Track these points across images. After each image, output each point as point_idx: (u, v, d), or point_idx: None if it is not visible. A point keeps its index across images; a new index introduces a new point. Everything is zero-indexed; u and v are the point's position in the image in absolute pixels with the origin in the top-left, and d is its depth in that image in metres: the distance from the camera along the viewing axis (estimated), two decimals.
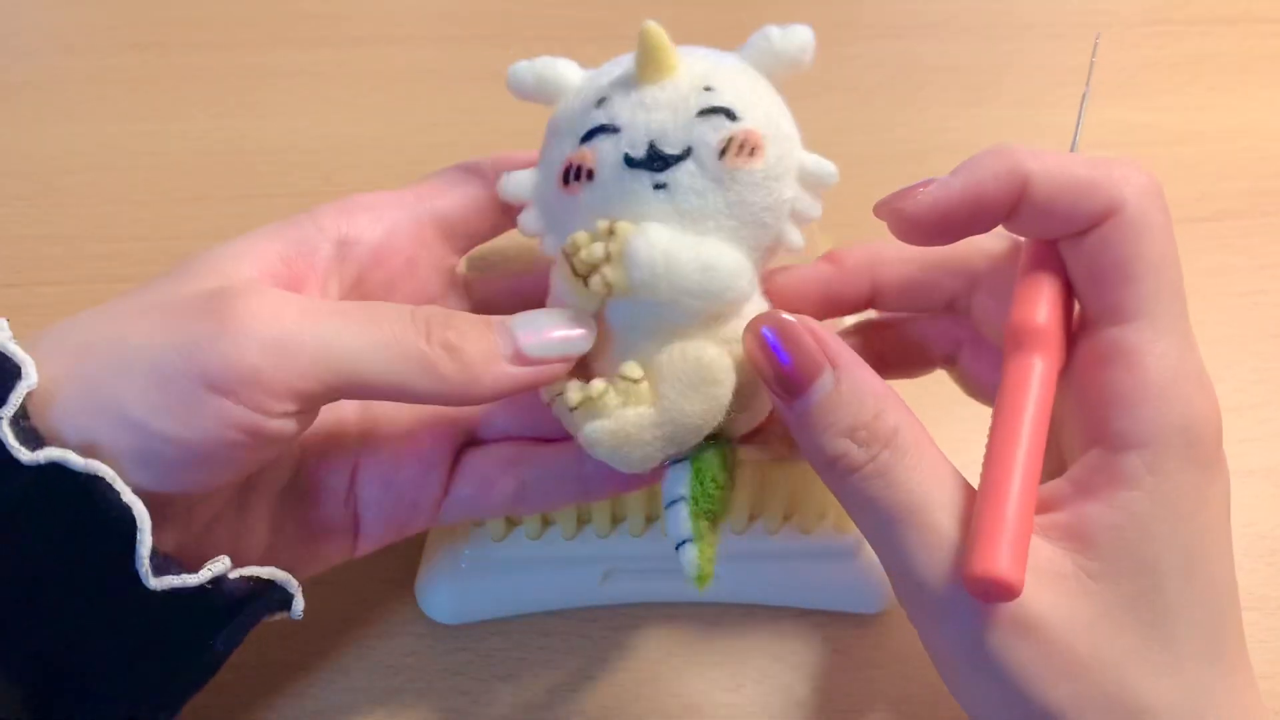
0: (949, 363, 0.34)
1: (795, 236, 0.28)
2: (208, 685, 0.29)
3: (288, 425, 0.26)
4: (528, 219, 0.28)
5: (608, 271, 0.26)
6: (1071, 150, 0.32)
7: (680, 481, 0.28)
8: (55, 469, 0.24)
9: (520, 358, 0.27)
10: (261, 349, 0.25)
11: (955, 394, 0.46)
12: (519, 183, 0.28)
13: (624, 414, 0.26)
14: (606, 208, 0.27)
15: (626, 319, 0.27)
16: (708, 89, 0.27)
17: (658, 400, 0.26)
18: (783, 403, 0.27)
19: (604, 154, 0.27)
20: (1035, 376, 0.26)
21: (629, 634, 0.37)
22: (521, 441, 0.33)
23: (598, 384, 0.26)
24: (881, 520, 0.26)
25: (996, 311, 0.30)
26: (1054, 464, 0.28)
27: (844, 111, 0.58)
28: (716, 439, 0.28)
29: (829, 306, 0.32)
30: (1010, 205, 0.26)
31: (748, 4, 0.66)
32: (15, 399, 0.24)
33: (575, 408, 0.26)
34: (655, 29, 0.27)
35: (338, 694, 0.35)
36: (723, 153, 0.26)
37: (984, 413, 0.44)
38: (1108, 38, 0.64)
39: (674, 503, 0.28)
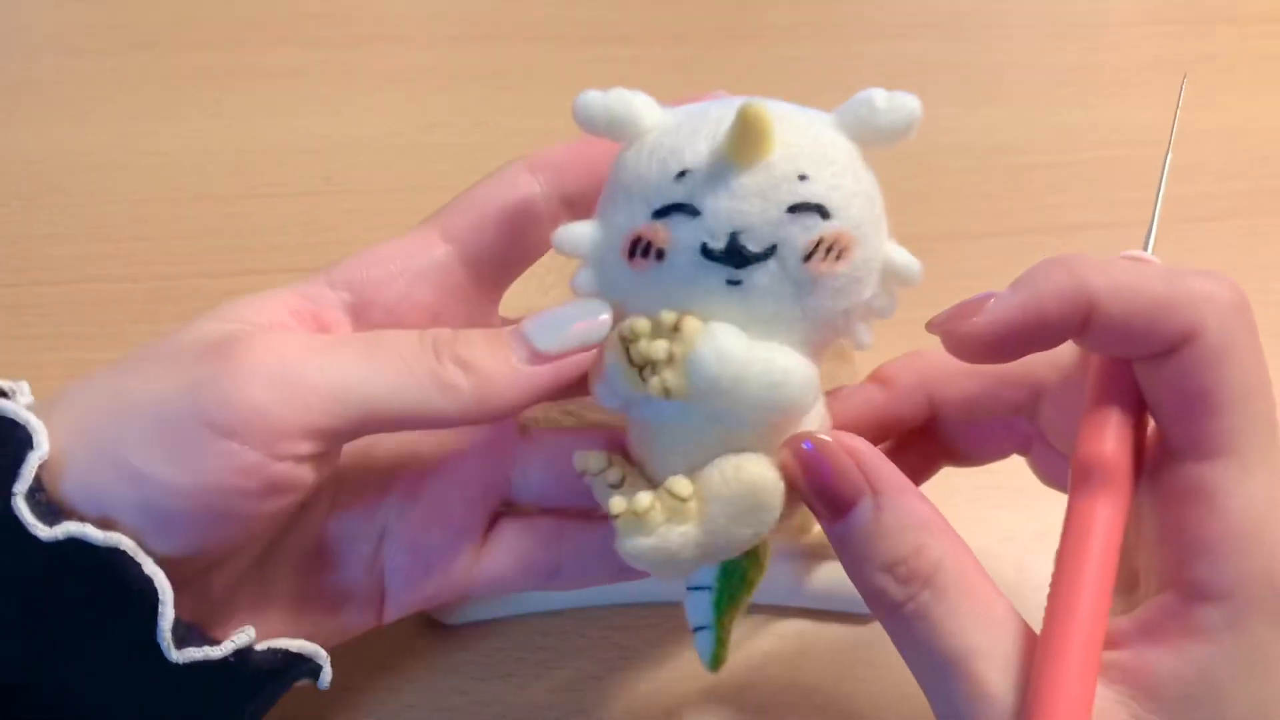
0: (1023, 453, 0.32)
1: (866, 336, 0.26)
2: None
3: (299, 470, 0.25)
4: (584, 280, 0.26)
5: (668, 376, 0.24)
6: (1147, 245, 0.29)
7: (709, 574, 0.27)
8: (74, 544, 0.23)
9: (538, 357, 0.26)
10: (266, 385, 0.24)
11: None
12: (577, 238, 0.26)
13: (667, 533, 0.25)
14: (672, 295, 0.25)
15: (677, 417, 0.26)
16: (803, 177, 0.24)
17: (704, 520, 0.25)
18: (824, 523, 0.26)
19: (679, 237, 0.24)
20: (1100, 525, 0.24)
21: (629, 634, 0.37)
22: (559, 515, 0.31)
23: (644, 499, 0.25)
24: (925, 665, 0.24)
25: (1064, 424, 0.28)
26: (1124, 577, 0.26)
27: None
28: None
29: (884, 431, 0.30)
30: (1076, 326, 0.24)
31: (749, 4, 0.66)
32: (28, 472, 0.23)
33: (617, 517, 0.25)
34: (758, 112, 0.23)
35: (338, 694, 0.35)
36: (809, 256, 0.24)
37: None
38: (1109, 36, 0.64)
39: (696, 589, 0.27)
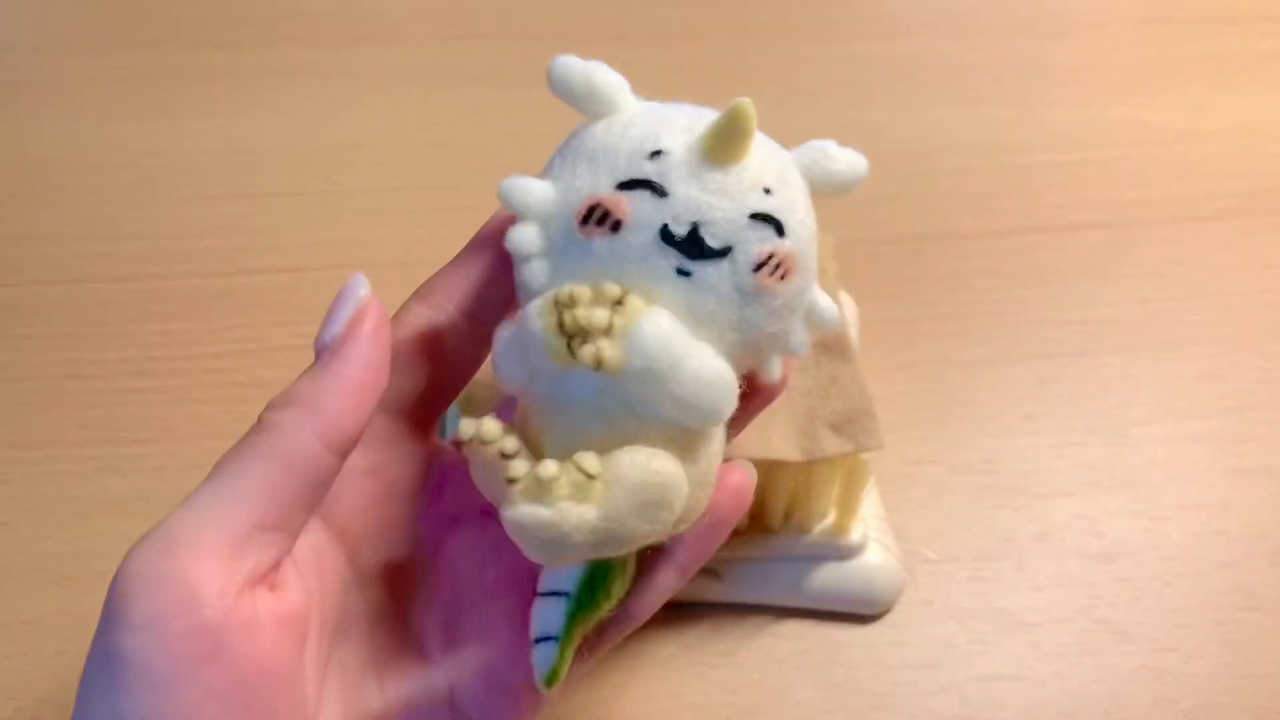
0: None
1: (777, 369, 0.26)
2: None
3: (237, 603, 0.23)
4: (524, 238, 0.25)
5: (606, 346, 0.23)
6: None
7: (567, 578, 0.26)
8: None
9: (329, 344, 0.25)
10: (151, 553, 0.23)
11: (955, 393, 0.46)
12: (529, 192, 0.25)
13: (566, 509, 0.23)
14: (619, 270, 0.24)
15: (591, 396, 0.24)
16: (768, 191, 0.24)
17: (605, 504, 0.23)
18: None
19: (641, 213, 0.24)
20: None
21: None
22: None
23: (550, 466, 0.23)
24: None
25: None
26: None
27: (844, 111, 0.58)
28: None
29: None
30: None
31: (749, 4, 0.66)
32: None
33: (514, 481, 0.24)
34: (747, 108, 0.24)
35: None
36: (759, 266, 0.24)
37: (981, 412, 0.44)
38: (1109, 36, 0.64)
39: (551, 594, 0.26)
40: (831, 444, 0.35)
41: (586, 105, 0.26)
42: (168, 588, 0.22)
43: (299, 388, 0.25)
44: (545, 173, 0.26)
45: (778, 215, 0.24)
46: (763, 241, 0.24)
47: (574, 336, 0.23)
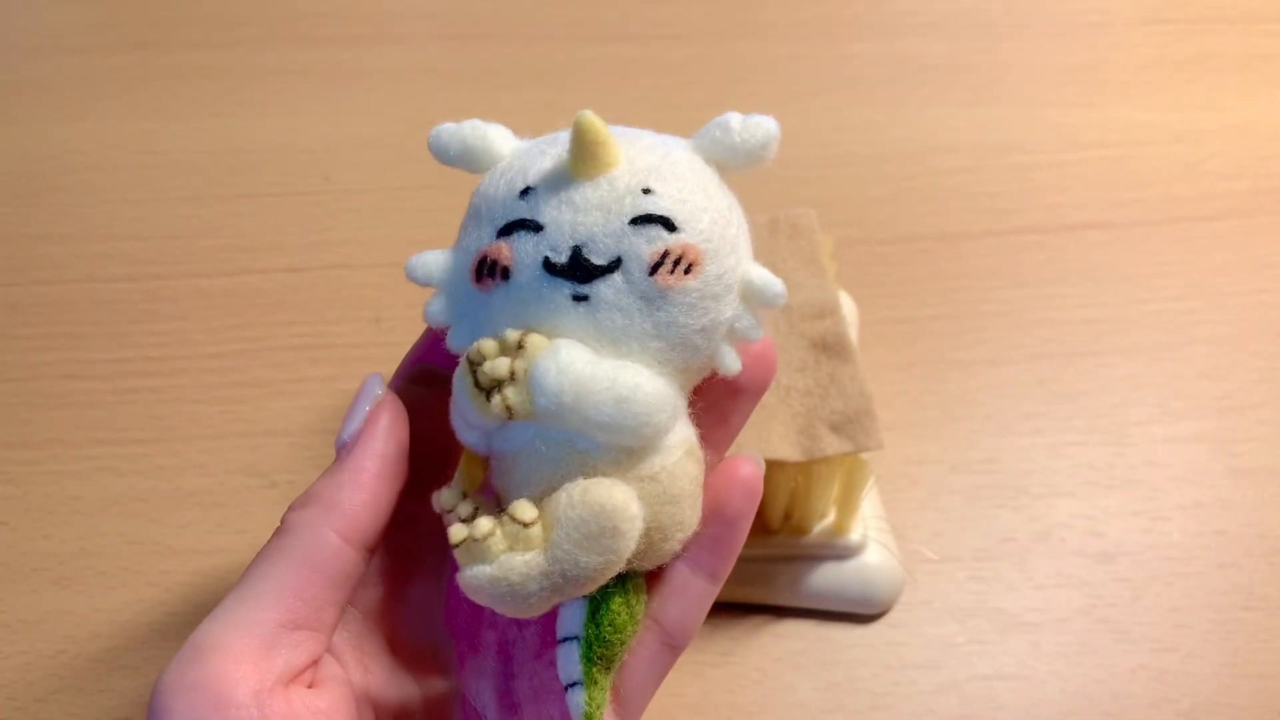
0: None
1: (730, 360, 0.25)
2: None
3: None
4: (435, 308, 0.25)
5: (510, 394, 0.23)
6: None
7: (574, 620, 0.25)
8: None
9: (349, 444, 0.26)
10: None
11: (955, 393, 0.46)
12: (429, 265, 0.25)
13: (509, 561, 0.23)
14: (520, 314, 0.24)
15: (529, 442, 0.24)
16: (647, 191, 0.24)
17: (549, 548, 0.23)
18: None
19: (522, 253, 0.24)
20: None
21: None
22: None
23: (484, 524, 0.23)
24: None
25: None
26: None
27: (844, 111, 0.58)
28: (622, 575, 0.25)
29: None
30: None
31: (749, 4, 0.66)
32: None
33: (457, 546, 0.24)
34: (591, 120, 0.23)
35: None
36: (654, 268, 0.23)
37: (981, 412, 0.44)
38: (1109, 36, 0.64)
39: (565, 640, 0.25)
40: (831, 444, 0.35)
41: (466, 164, 0.26)
42: (201, 695, 0.23)
43: (318, 486, 0.25)
44: (454, 242, 0.26)
45: (662, 212, 0.24)
46: (652, 243, 0.23)
47: (489, 391, 0.23)
